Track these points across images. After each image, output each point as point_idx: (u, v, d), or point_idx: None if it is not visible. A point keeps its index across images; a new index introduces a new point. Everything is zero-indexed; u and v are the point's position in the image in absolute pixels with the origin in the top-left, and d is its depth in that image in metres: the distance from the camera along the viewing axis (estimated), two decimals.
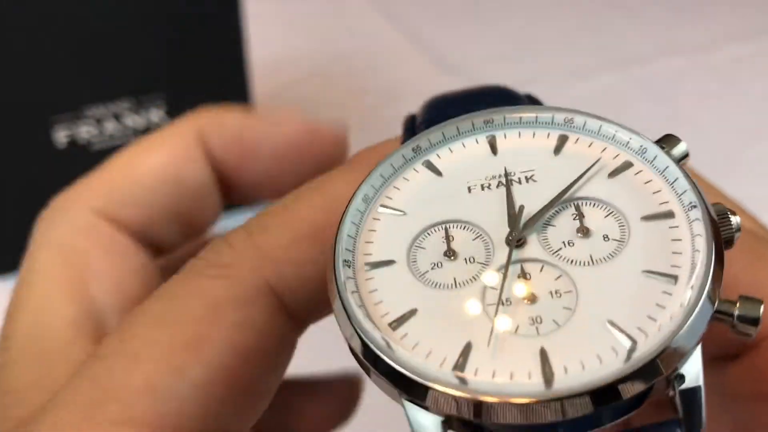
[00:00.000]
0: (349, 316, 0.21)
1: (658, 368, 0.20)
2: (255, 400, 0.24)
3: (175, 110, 0.57)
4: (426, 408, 0.20)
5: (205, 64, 0.57)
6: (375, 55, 0.83)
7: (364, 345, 0.21)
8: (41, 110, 0.53)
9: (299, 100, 0.77)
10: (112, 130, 0.56)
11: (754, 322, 0.21)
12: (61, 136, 0.54)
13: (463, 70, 0.81)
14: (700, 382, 0.21)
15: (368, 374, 0.22)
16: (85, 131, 0.55)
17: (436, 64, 0.82)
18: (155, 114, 0.57)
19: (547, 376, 0.20)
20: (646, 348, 0.20)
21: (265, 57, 0.72)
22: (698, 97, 0.78)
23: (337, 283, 0.22)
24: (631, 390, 0.20)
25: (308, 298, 0.24)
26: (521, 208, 0.23)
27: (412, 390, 0.20)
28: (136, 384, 0.22)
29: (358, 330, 0.21)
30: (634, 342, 0.20)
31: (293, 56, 0.82)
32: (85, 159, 0.56)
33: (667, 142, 0.24)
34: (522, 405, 0.19)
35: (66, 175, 0.57)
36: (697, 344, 0.21)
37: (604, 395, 0.20)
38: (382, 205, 0.24)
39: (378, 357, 0.21)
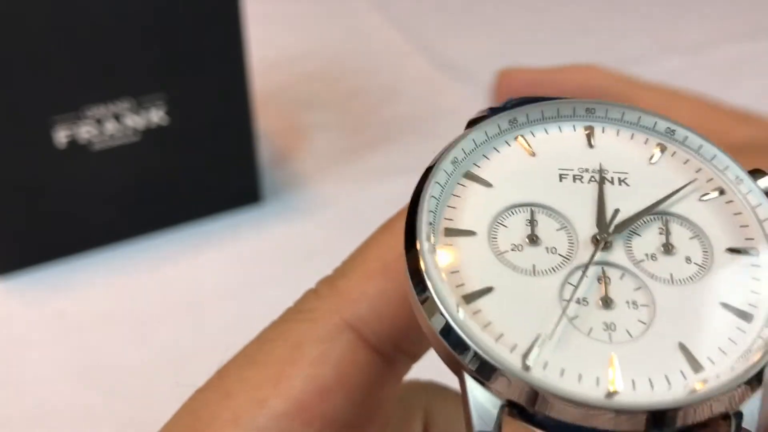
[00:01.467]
0: (428, 277, 0.21)
1: (724, 404, 0.20)
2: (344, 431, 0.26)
3: (175, 110, 0.57)
4: (488, 388, 0.20)
5: (205, 64, 0.57)
6: (375, 55, 0.83)
7: (438, 311, 0.21)
8: (41, 110, 0.53)
9: (299, 100, 0.77)
10: (112, 130, 0.56)
11: None
12: (61, 136, 0.54)
13: (462, 70, 0.81)
14: (755, 423, 0.20)
15: (430, 338, 0.21)
16: (85, 131, 0.55)
17: (435, 64, 0.82)
18: (155, 114, 0.57)
19: (615, 387, 0.20)
20: (717, 384, 0.20)
21: (265, 57, 0.72)
22: None
23: (418, 242, 0.21)
24: (691, 418, 0.20)
25: (389, 331, 0.26)
26: (616, 211, 0.23)
27: (478, 368, 0.20)
28: (224, 416, 0.25)
29: (434, 294, 0.21)
30: (702, 371, 0.20)
31: (293, 56, 0.82)
32: (85, 159, 0.56)
33: (754, 174, 0.24)
34: (584, 408, 0.19)
35: (66, 175, 0.58)
36: (761, 386, 0.20)
37: (664, 418, 0.19)
38: (469, 172, 0.23)
39: (451, 328, 0.20)
